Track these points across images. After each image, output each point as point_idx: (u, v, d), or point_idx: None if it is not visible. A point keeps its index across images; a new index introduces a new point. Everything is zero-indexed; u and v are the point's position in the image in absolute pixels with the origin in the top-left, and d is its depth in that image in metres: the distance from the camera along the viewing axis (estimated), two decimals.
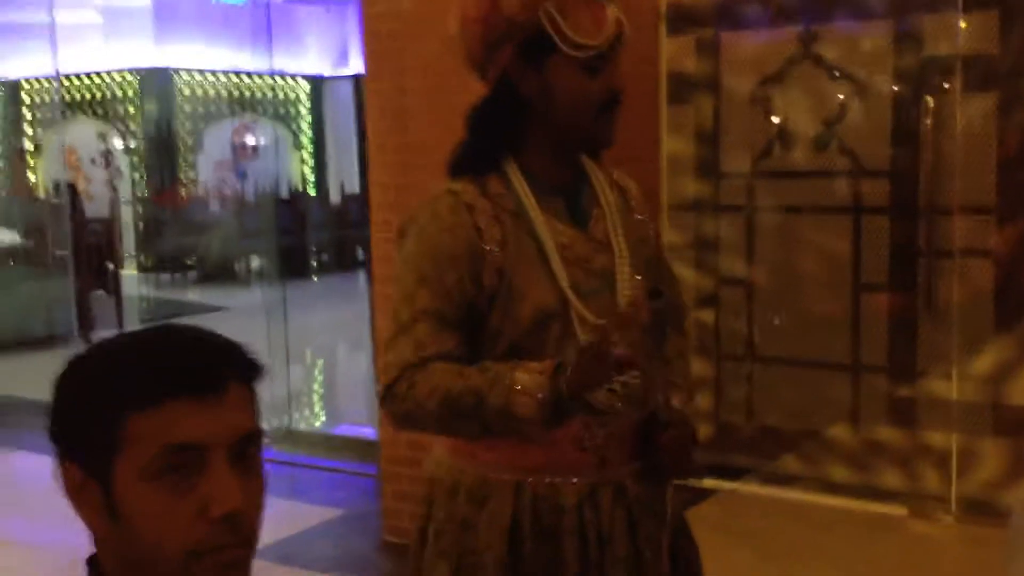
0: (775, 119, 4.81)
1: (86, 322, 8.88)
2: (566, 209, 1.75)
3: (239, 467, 0.99)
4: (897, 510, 4.47)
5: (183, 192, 15.04)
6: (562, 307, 1.69)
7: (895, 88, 4.60)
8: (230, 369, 1.00)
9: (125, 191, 14.56)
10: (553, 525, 1.69)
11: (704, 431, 5.03)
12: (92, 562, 1.04)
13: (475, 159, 1.77)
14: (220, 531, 0.97)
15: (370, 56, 4.15)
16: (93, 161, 15.00)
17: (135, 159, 15.05)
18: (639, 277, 1.76)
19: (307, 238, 13.63)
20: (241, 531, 0.99)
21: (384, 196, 4.10)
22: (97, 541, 1.03)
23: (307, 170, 17.17)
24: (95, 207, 13.48)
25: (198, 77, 15.42)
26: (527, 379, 1.57)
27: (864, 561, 4.05)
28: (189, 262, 13.72)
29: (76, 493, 1.00)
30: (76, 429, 1.00)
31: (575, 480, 1.71)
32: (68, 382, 1.01)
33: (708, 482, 4.85)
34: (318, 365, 9.14)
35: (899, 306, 4.62)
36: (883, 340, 4.67)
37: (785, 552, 4.12)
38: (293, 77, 16.69)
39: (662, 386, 1.75)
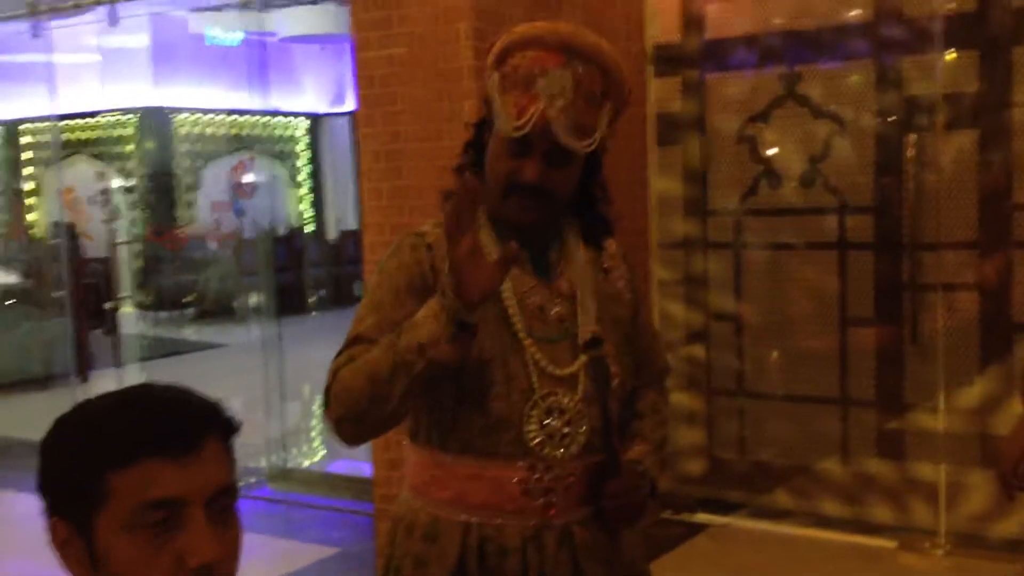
0: (761, 158, 4.90)
1: (84, 362, 8.92)
2: (531, 260, 1.80)
3: (215, 520, 1.05)
4: (887, 543, 4.51)
5: (181, 230, 15.12)
6: (514, 350, 1.73)
7: (878, 126, 4.68)
8: (206, 427, 1.07)
9: (124, 230, 14.65)
10: (497, 566, 1.72)
11: (697, 466, 5.08)
12: None
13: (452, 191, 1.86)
14: None
15: (363, 100, 4.23)
16: (92, 201, 15.09)
17: (134, 198, 15.15)
18: (598, 328, 1.79)
19: (304, 275, 13.70)
20: None
21: (378, 237, 4.16)
22: None
23: (305, 207, 17.27)
24: (94, 246, 13.56)
25: (196, 116, 15.55)
26: (423, 309, 1.62)
27: None
28: (187, 300, 13.78)
29: (62, 547, 1.07)
30: (60, 486, 1.07)
31: (519, 523, 1.74)
32: (53, 441, 1.09)
33: (701, 516, 4.89)
34: (315, 402, 9.17)
35: (885, 340, 4.68)
36: (871, 374, 4.73)
37: None
38: (290, 115, 16.82)
39: (614, 436, 1.78)
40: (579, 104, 1.70)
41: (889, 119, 4.65)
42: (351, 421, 1.68)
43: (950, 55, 4.45)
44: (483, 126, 1.81)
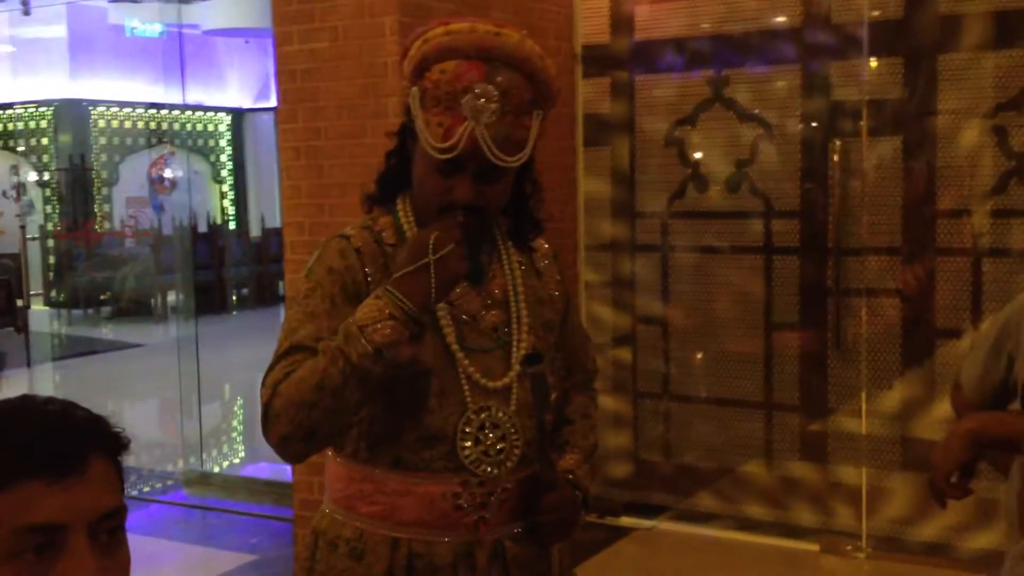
0: (689, 161, 4.89)
1: None
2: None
3: (100, 546, 0.97)
4: (810, 546, 4.53)
5: (98, 226, 14.74)
6: (446, 362, 1.67)
7: (804, 131, 4.70)
8: (89, 446, 0.98)
9: (36, 225, 14.23)
10: None
11: (622, 469, 5.06)
12: None
13: (376, 193, 1.78)
14: None
15: (284, 95, 4.11)
16: (4, 194, 14.64)
17: (48, 192, 14.73)
18: (533, 339, 1.74)
19: (225, 273, 13.45)
20: None
21: (298, 236, 4.06)
22: None
23: (227, 203, 16.97)
24: (8, 241, 13.16)
25: (114, 110, 15.17)
26: (365, 312, 1.54)
27: None
28: (103, 298, 13.44)
29: None
30: None
31: (451, 539, 1.69)
32: None
33: (626, 520, 4.87)
34: (236, 403, 8.99)
35: (809, 344, 4.70)
36: (794, 378, 4.75)
37: None
38: (213, 110, 16.52)
39: (548, 447, 1.74)
40: (507, 119, 1.60)
41: (813, 124, 4.68)
42: (301, 438, 1.57)
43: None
44: (406, 133, 1.72)
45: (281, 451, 1.60)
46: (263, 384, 1.61)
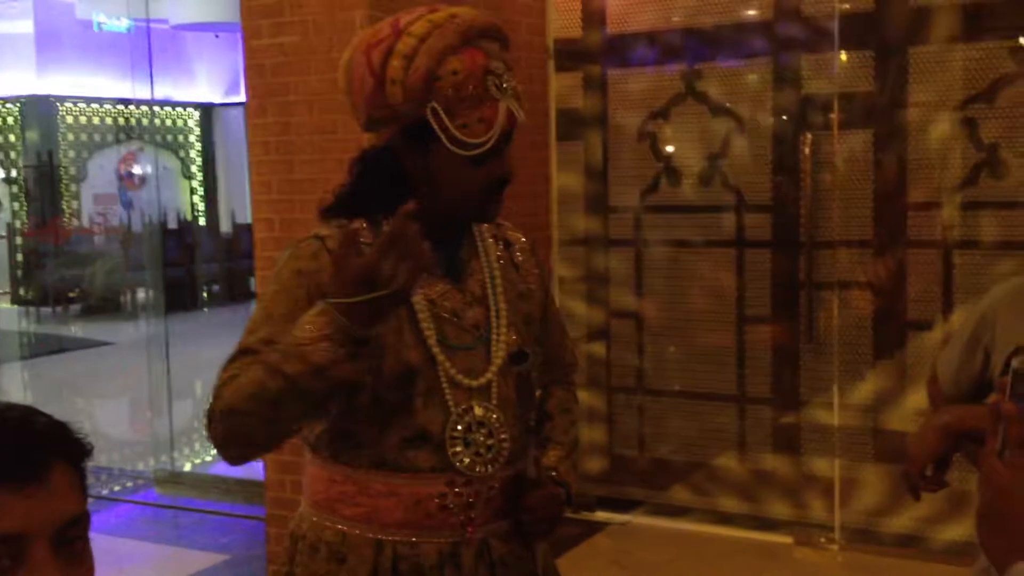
0: (662, 155, 4.88)
1: None
2: (442, 262, 1.70)
3: (64, 554, 0.95)
4: (784, 539, 4.55)
5: (66, 223, 14.60)
6: (428, 362, 1.64)
7: (775, 124, 4.71)
8: (52, 453, 0.96)
9: (3, 222, 14.07)
10: None
11: (596, 463, 5.05)
12: None
13: (351, 207, 1.72)
14: None
15: (253, 90, 4.07)
16: None
17: (15, 189, 14.57)
18: (514, 335, 1.73)
19: (196, 269, 13.34)
20: None
21: (268, 233, 4.02)
22: None
23: (197, 199, 16.85)
24: None
25: (82, 106, 15.01)
26: (304, 330, 1.45)
27: None
28: (73, 295, 13.31)
29: None
30: None
31: (437, 539, 1.66)
32: None
33: (601, 514, 4.87)
34: (206, 401, 8.92)
35: (782, 337, 4.71)
36: (767, 370, 4.76)
37: None
38: (182, 105, 16.38)
39: (532, 445, 1.74)
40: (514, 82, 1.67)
41: (784, 118, 4.68)
42: (239, 444, 1.55)
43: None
44: (395, 151, 1.66)
45: (221, 454, 1.59)
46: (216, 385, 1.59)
